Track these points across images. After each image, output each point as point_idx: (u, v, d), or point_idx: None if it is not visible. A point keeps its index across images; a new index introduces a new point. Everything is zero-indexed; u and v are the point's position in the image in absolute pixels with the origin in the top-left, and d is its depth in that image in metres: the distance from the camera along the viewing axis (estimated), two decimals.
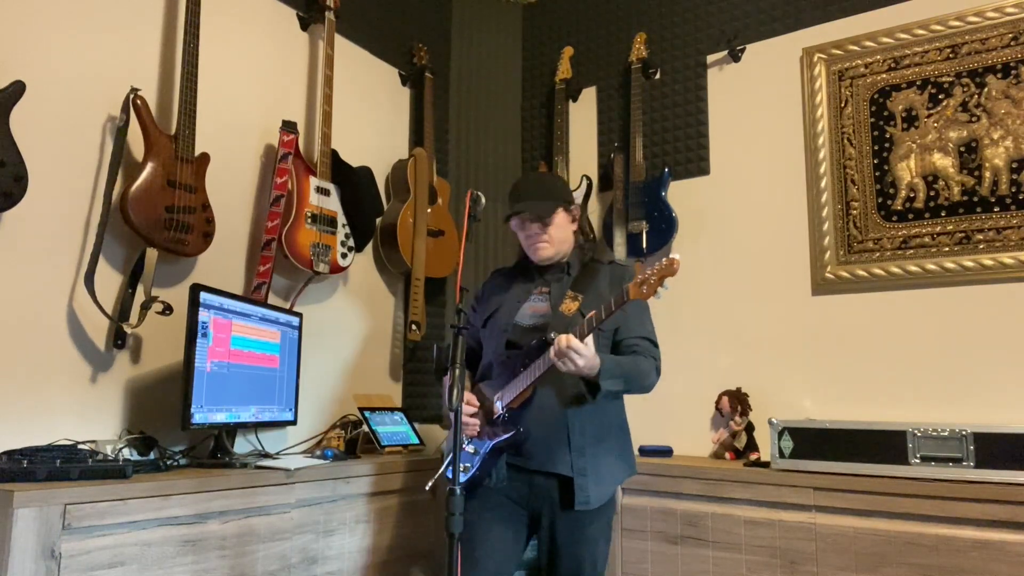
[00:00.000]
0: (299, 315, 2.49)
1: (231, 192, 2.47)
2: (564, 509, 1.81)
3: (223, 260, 2.43)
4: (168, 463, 1.96)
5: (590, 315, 1.68)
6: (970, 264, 2.41)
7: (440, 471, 1.95)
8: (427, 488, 2.04)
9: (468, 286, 2.27)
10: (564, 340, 1.66)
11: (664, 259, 1.62)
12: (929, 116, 2.54)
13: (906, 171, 2.56)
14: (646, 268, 1.64)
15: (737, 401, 2.65)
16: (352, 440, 2.55)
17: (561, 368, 1.68)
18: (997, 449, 1.96)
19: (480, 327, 2.03)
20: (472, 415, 1.88)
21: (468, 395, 1.90)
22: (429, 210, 3.06)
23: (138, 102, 2.07)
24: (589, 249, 2.07)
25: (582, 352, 1.65)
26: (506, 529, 1.82)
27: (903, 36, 2.60)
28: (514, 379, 1.81)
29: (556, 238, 1.93)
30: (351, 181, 2.75)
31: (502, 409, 1.84)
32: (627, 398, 1.94)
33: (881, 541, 2.03)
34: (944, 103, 2.52)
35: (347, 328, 2.90)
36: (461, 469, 1.87)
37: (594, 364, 1.70)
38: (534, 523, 1.87)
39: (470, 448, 1.88)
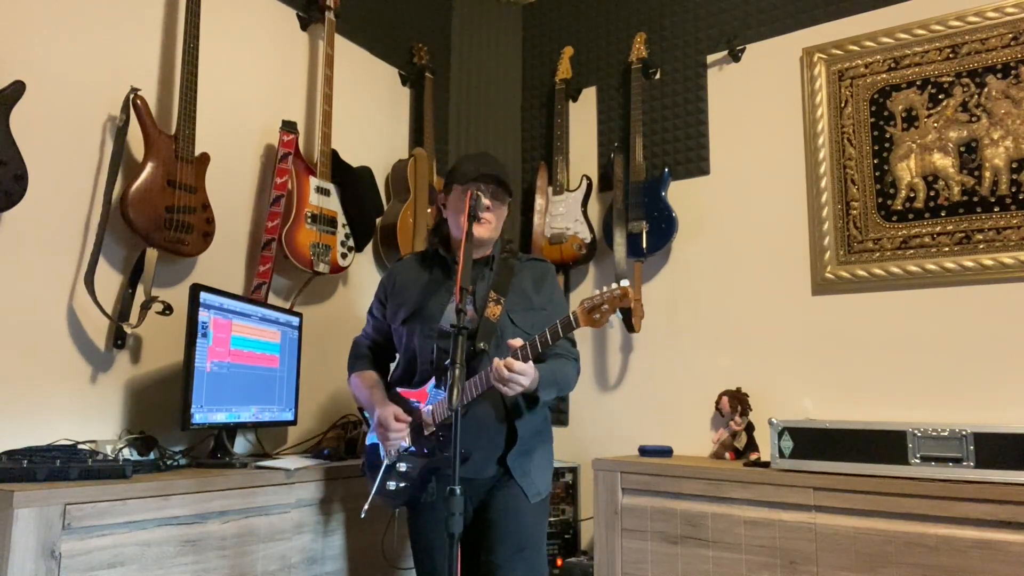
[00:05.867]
0: (299, 315, 2.49)
1: (231, 192, 2.47)
2: (505, 499, 1.80)
3: (223, 260, 2.43)
4: (168, 463, 1.96)
5: (532, 340, 1.65)
6: (970, 264, 2.41)
7: (371, 495, 1.89)
8: (362, 515, 1.92)
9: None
10: (505, 368, 1.62)
11: (617, 287, 1.56)
12: (929, 116, 2.54)
13: (906, 171, 2.56)
14: (596, 294, 1.60)
15: (737, 401, 2.65)
16: (352, 440, 2.54)
17: (507, 393, 1.66)
18: (997, 449, 1.96)
19: (399, 324, 1.93)
20: (401, 430, 1.82)
21: (397, 409, 1.83)
22: (429, 210, 3.06)
23: (138, 102, 2.07)
24: (507, 243, 1.98)
25: (527, 373, 1.65)
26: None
27: (903, 36, 2.60)
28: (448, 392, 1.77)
29: (496, 224, 1.87)
30: (351, 181, 2.75)
31: (435, 424, 1.79)
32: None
33: (881, 541, 2.03)
34: (944, 103, 2.52)
35: (347, 328, 2.90)
36: (393, 489, 1.85)
37: (535, 380, 1.70)
38: (469, 521, 1.86)
39: (401, 466, 1.85)
